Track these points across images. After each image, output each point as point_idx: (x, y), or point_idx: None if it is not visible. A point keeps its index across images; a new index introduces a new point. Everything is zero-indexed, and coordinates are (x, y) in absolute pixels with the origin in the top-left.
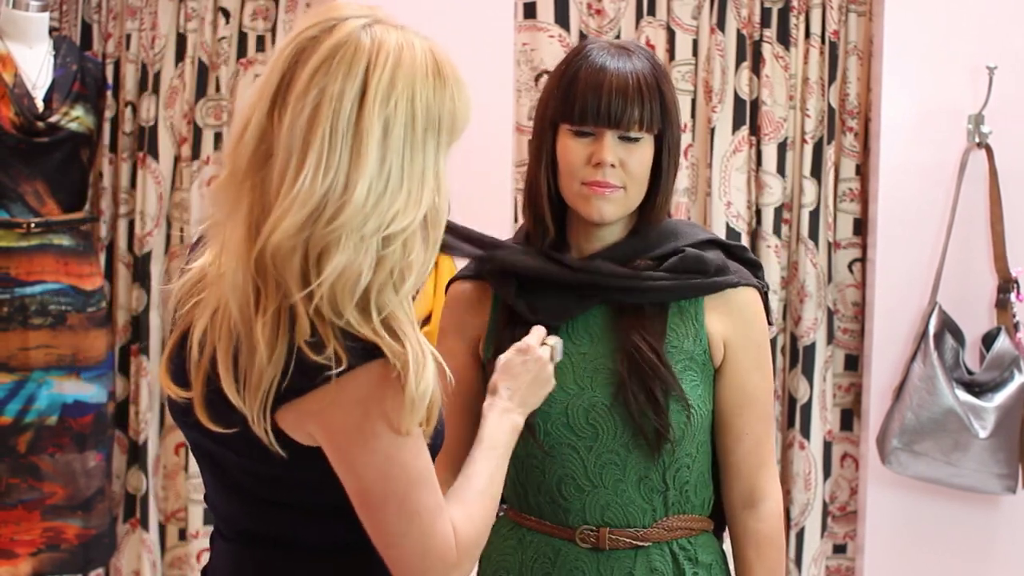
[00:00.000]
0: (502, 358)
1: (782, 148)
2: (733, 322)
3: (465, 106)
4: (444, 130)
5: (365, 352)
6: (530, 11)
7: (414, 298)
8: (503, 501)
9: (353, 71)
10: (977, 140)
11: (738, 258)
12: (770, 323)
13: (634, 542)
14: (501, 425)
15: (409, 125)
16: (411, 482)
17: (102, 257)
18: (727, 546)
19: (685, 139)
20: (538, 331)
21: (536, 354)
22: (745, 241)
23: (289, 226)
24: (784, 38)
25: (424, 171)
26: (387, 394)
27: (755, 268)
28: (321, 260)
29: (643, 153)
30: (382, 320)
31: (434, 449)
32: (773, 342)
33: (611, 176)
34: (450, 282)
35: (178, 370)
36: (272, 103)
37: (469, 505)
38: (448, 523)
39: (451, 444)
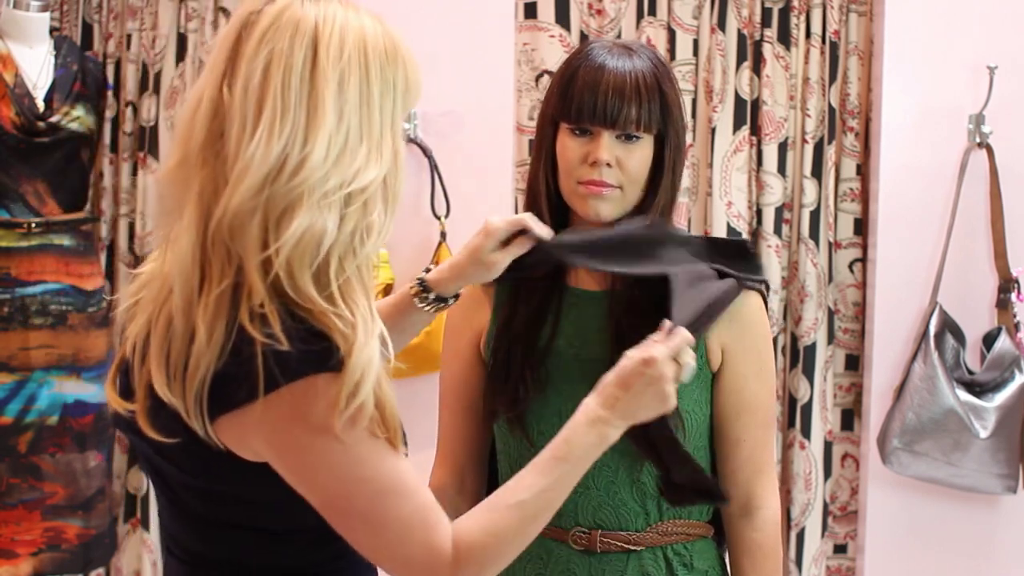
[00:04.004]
0: (623, 360)
1: (783, 148)
2: (731, 327)
3: (416, 79)
4: (399, 95)
5: (306, 359)
6: (530, 11)
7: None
8: None
9: (302, 28)
10: (978, 140)
11: (736, 255)
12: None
13: (626, 546)
14: (585, 434)
15: (364, 81)
16: (376, 494)
17: (103, 257)
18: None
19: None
20: (679, 337)
21: (659, 370)
22: None
23: (247, 188)
24: (785, 38)
25: (383, 130)
26: (328, 403)
27: (753, 265)
28: (282, 222)
29: (642, 153)
30: (338, 287)
31: None
32: (773, 342)
33: (607, 175)
34: None
35: (124, 382)
36: (222, 77)
37: (496, 516)
38: (436, 532)
39: (453, 444)
